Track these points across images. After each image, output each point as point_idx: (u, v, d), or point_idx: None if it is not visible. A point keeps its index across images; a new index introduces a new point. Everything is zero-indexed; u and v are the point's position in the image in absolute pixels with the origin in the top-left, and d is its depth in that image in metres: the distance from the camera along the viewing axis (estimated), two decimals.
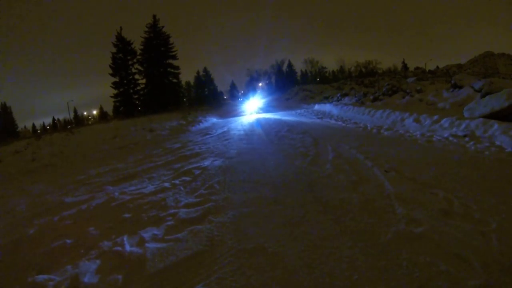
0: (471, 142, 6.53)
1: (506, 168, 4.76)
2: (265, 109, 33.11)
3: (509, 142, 6.11)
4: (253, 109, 33.93)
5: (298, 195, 4.38)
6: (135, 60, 38.28)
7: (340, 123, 13.48)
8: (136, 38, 38.97)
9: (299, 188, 4.65)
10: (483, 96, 9.09)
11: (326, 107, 21.39)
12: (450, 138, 7.14)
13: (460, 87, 12.12)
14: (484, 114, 7.91)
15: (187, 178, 5.95)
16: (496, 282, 2.26)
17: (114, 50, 37.19)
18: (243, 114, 29.72)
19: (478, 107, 8.37)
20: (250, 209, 4.04)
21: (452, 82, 13.04)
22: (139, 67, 38.52)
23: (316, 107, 24.39)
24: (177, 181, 5.82)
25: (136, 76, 38.48)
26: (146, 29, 39.16)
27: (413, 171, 4.93)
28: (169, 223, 3.90)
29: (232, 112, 32.85)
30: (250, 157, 7.29)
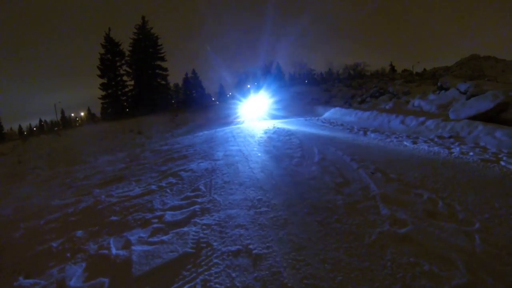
0: (456, 143, 6.64)
1: (490, 169, 4.84)
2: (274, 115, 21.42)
3: (493, 143, 6.23)
4: (255, 114, 21.97)
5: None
6: (123, 62, 38.02)
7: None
8: (125, 39, 38.49)
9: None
10: (468, 98, 9.25)
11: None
12: (436, 140, 7.25)
13: (446, 89, 12.31)
14: (469, 116, 8.04)
15: (174, 180, 5.92)
16: (479, 281, 2.30)
17: (102, 51, 36.90)
18: (238, 121, 20.13)
19: (463, 108, 8.50)
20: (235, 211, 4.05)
21: (439, 84, 13.24)
22: (128, 69, 38.27)
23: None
24: (163, 183, 5.79)
25: (124, 78, 38.23)
26: (135, 30, 38.92)
27: (398, 172, 4.99)
28: (155, 225, 3.88)
29: (221, 118, 23.44)
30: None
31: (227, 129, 14.92)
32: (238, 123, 18.84)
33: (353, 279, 2.44)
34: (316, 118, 16.83)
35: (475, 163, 5.21)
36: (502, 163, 5.08)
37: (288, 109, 23.86)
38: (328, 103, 23.03)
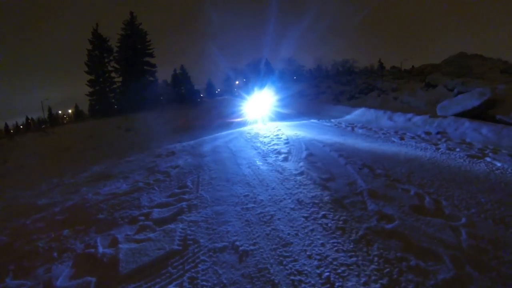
0: (443, 139, 6.71)
1: (476, 165, 4.90)
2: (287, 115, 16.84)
3: (479, 139, 6.31)
4: (257, 112, 16.87)
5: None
6: (111, 58, 37.45)
7: None
8: (113, 35, 37.98)
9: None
10: (456, 95, 9.35)
11: None
12: (423, 136, 7.32)
13: (434, 86, 12.44)
14: (456, 113, 8.13)
15: (161, 177, 5.88)
16: (466, 275, 2.33)
17: (90, 47, 36.40)
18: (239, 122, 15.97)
19: (450, 105, 8.59)
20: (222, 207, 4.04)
21: (427, 81, 13.37)
22: (116, 65, 37.73)
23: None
24: (151, 180, 5.74)
25: (113, 74, 37.62)
26: (123, 26, 38.44)
27: (386, 168, 5.03)
28: (142, 223, 3.84)
29: (216, 117, 19.48)
30: None
31: (226, 136, 10.26)
32: (239, 124, 14.30)
33: (340, 275, 2.44)
34: (335, 120, 12.47)
35: (461, 159, 5.27)
36: (488, 159, 5.15)
37: (292, 108, 18.97)
38: (339, 102, 20.29)
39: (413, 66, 30.47)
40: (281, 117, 15.67)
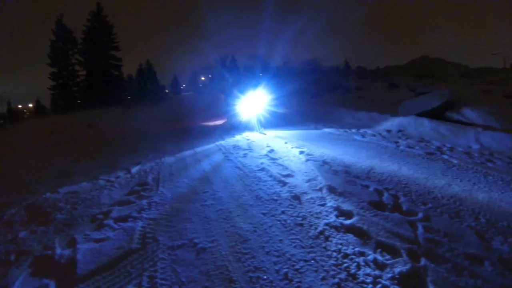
0: (403, 137, 6.96)
1: (434, 161, 5.13)
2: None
3: (438, 138, 6.60)
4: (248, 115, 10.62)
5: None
6: (75, 50, 36.18)
7: None
8: (79, 27, 36.53)
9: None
10: (417, 96, 9.70)
11: None
12: (384, 134, 7.55)
13: (397, 87, 12.85)
14: (417, 112, 8.43)
15: (123, 174, 5.76)
16: (422, 267, 2.42)
17: (53, 38, 34.96)
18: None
19: (412, 105, 8.90)
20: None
21: (390, 81, 13.80)
22: (80, 58, 36.45)
23: None
24: (112, 178, 5.61)
25: (76, 67, 36.39)
26: (89, 18, 37.08)
27: (346, 164, 5.15)
28: (101, 222, 3.74)
29: (186, 120, 15.48)
30: None
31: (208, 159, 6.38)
32: (225, 133, 9.39)
33: (298, 271, 2.47)
34: (375, 131, 8.28)
35: (420, 156, 5.49)
36: (445, 156, 5.38)
37: (289, 108, 12.85)
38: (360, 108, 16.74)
39: (378, 67, 31.27)
40: (284, 121, 11.13)
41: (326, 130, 9.00)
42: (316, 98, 17.45)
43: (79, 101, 35.81)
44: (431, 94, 8.78)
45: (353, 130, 8.47)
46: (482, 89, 9.91)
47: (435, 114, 8.03)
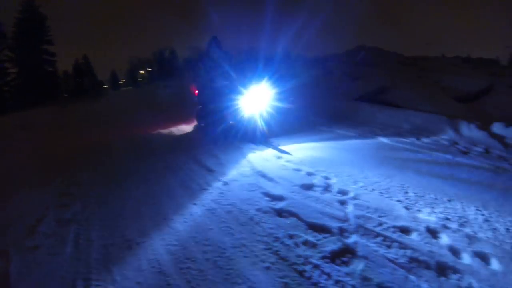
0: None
1: (368, 144, 5.34)
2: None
3: (378, 121, 6.90)
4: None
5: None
6: (4, 46, 33.31)
7: None
8: (8, 19, 33.48)
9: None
10: (353, 81, 10.03)
11: None
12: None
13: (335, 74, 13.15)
14: (355, 97, 8.70)
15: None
16: (352, 244, 2.45)
17: None
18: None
19: (349, 91, 9.17)
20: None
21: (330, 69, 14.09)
22: (10, 54, 33.62)
23: None
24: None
25: (7, 65, 33.56)
26: (20, 8, 34.08)
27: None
28: (37, 228, 3.36)
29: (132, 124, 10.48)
30: None
31: None
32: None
33: (229, 257, 2.41)
34: None
35: (355, 138, 5.69)
36: (380, 137, 5.58)
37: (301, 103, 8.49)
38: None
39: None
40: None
41: (382, 139, 5.80)
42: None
43: (10, 101, 33.10)
44: (368, 80, 9.14)
45: (413, 139, 5.75)
46: (416, 76, 10.46)
47: (372, 98, 8.34)
